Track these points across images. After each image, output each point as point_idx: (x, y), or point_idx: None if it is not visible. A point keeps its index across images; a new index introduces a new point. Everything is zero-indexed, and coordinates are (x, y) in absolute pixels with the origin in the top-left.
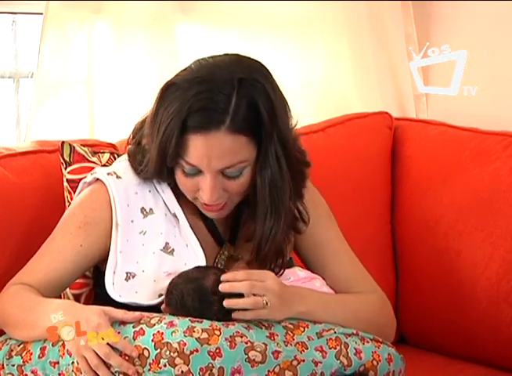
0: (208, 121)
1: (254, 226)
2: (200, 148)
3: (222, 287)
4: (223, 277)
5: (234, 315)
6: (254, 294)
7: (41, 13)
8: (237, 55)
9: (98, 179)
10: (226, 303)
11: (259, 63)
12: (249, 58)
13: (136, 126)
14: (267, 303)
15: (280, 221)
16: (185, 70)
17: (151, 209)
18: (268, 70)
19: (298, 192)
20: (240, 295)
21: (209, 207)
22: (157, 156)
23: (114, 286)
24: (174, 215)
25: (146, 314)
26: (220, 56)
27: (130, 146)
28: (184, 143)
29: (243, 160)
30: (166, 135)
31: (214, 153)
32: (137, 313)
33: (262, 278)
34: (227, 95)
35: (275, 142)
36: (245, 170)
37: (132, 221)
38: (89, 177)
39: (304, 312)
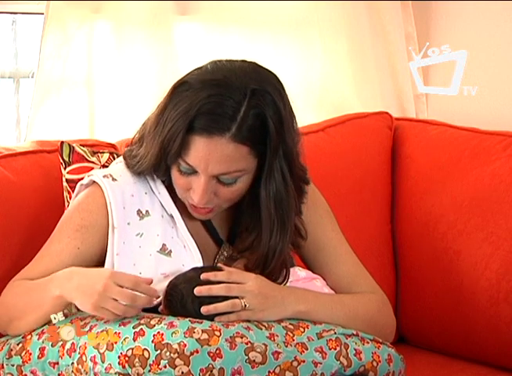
0: (214, 126)
1: (250, 238)
2: (200, 150)
3: (200, 290)
4: (204, 275)
5: (217, 319)
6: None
7: (42, 13)
8: (254, 64)
9: (94, 182)
10: (204, 310)
11: (274, 75)
12: (266, 69)
13: (145, 121)
14: (245, 305)
15: (286, 236)
16: (199, 69)
17: (147, 211)
18: (282, 84)
19: (298, 208)
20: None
21: (196, 208)
22: (159, 152)
23: None
24: (171, 216)
25: (145, 315)
26: (237, 61)
27: (129, 146)
28: (186, 143)
29: (241, 170)
30: (171, 132)
31: (213, 157)
32: (148, 278)
33: (242, 279)
34: (237, 102)
35: (281, 157)
36: (240, 178)
37: (129, 223)
38: (86, 179)
39: (304, 311)
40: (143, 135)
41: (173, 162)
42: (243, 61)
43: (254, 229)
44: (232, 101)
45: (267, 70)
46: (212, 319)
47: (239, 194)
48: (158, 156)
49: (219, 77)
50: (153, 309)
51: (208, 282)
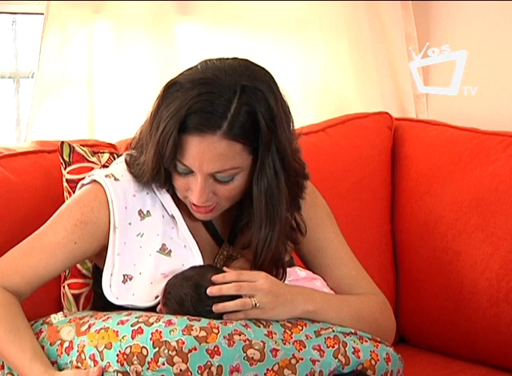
0: (205, 124)
1: (249, 234)
2: (194, 149)
3: (211, 291)
4: (214, 278)
5: (226, 317)
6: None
7: (42, 13)
8: (246, 60)
9: (95, 181)
10: (215, 308)
11: (267, 72)
12: (257, 65)
13: (141, 125)
14: (256, 304)
15: (275, 231)
16: (190, 69)
17: (148, 211)
18: (274, 80)
19: (296, 203)
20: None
21: (197, 208)
22: (154, 155)
23: (111, 288)
24: (172, 217)
25: (144, 313)
26: (228, 59)
27: (128, 152)
28: (180, 143)
29: (236, 167)
30: (164, 133)
31: (206, 156)
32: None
33: (252, 278)
34: (228, 100)
35: (273, 153)
36: (237, 176)
37: (130, 223)
38: (87, 179)
39: (312, 311)
40: (140, 139)
41: (170, 164)
42: (234, 59)
43: (251, 226)
44: (223, 99)
45: (258, 66)
46: (210, 317)
47: (237, 192)
48: (155, 159)
49: (209, 76)
50: (151, 310)
51: (207, 280)
